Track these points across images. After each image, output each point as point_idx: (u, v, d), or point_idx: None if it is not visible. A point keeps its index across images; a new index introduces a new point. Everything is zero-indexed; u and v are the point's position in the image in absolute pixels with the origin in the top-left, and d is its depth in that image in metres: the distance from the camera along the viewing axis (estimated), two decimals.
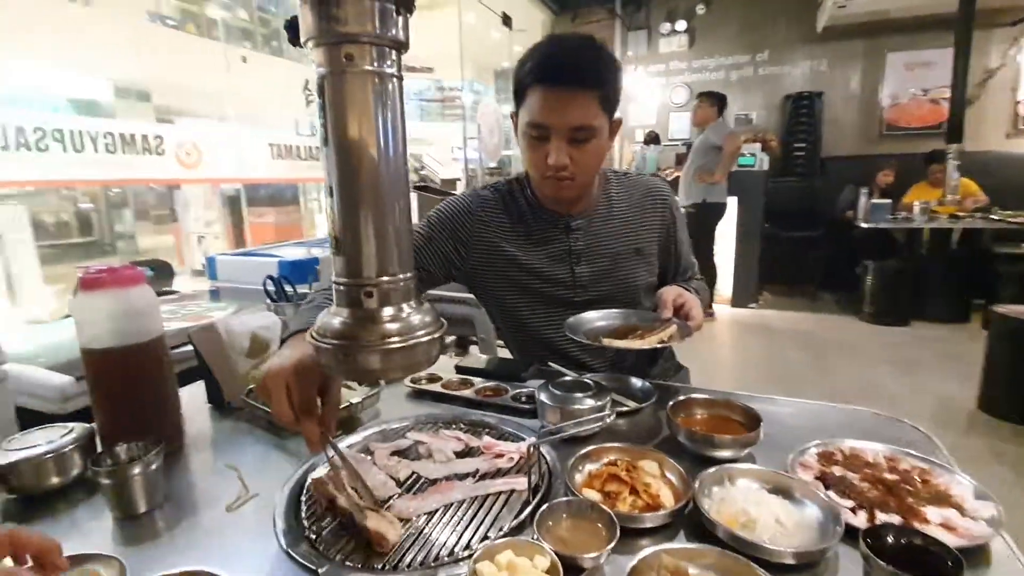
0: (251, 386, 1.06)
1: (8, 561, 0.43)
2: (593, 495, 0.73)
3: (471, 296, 2.53)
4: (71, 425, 0.85)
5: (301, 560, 0.64)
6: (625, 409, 1.00)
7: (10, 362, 1.12)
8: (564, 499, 0.69)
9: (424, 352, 0.68)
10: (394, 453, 0.87)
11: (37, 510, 0.76)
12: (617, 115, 1.15)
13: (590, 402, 0.90)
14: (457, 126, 7.47)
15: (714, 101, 4.40)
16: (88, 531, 0.72)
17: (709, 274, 4.75)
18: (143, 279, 0.91)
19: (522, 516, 0.70)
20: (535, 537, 0.62)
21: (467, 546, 0.66)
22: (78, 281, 0.86)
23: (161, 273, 2.77)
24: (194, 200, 6.68)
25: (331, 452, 0.74)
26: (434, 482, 0.79)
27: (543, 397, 0.93)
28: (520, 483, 0.77)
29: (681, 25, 6.55)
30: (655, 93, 6.96)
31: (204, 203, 6.50)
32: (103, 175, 1.95)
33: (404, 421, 0.98)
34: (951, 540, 0.60)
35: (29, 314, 4.03)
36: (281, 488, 0.78)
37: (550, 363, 1.15)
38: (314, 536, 0.68)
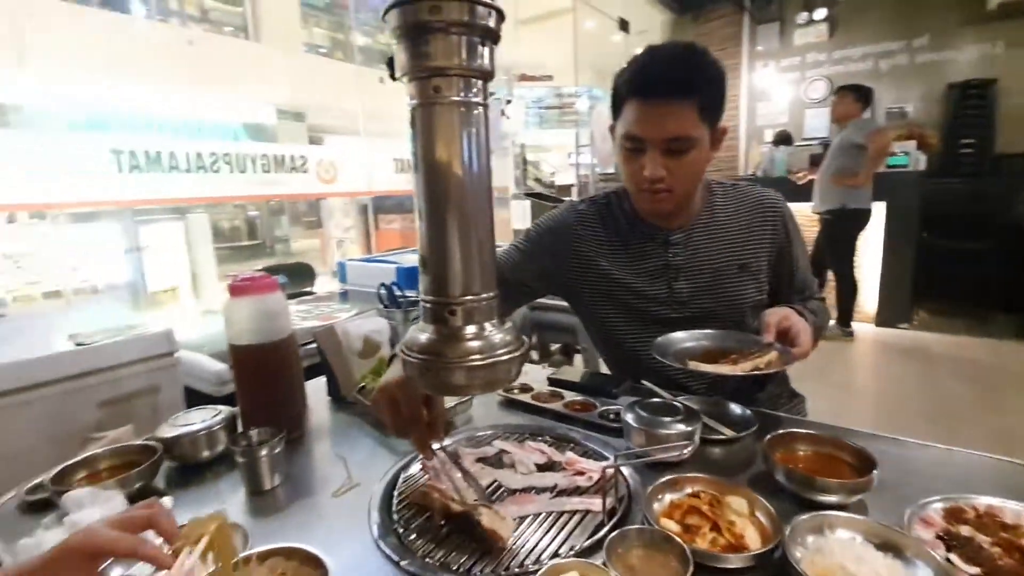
0: (363, 384, 1.17)
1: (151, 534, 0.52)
2: (671, 526, 0.70)
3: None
4: (220, 408, 1.01)
5: (387, 551, 0.70)
6: (718, 438, 0.95)
7: (181, 350, 1.35)
8: (638, 527, 0.68)
9: (504, 370, 0.71)
10: (479, 460, 0.91)
11: (190, 478, 0.92)
12: (723, 123, 1.10)
13: (677, 427, 0.87)
14: (573, 132, 7.50)
15: (858, 95, 3.93)
16: (226, 500, 0.86)
17: (847, 287, 4.25)
18: (277, 287, 1.05)
19: (594, 538, 0.70)
20: (603, 562, 0.62)
21: (537, 561, 0.67)
22: (228, 287, 1.02)
23: (302, 276, 3.14)
24: (335, 209, 7.49)
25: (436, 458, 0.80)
26: (513, 492, 0.82)
27: (629, 418, 0.92)
28: (596, 504, 0.77)
29: (820, 13, 5.96)
30: (788, 89, 6.40)
31: (343, 211, 7.27)
32: (259, 191, 2.26)
33: (493, 429, 1.02)
34: None
35: (206, 305, 4.80)
36: (379, 481, 0.86)
37: (644, 382, 1.13)
38: (402, 530, 0.75)
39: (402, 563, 0.68)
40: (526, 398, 1.15)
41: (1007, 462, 0.86)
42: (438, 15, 0.57)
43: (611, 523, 0.73)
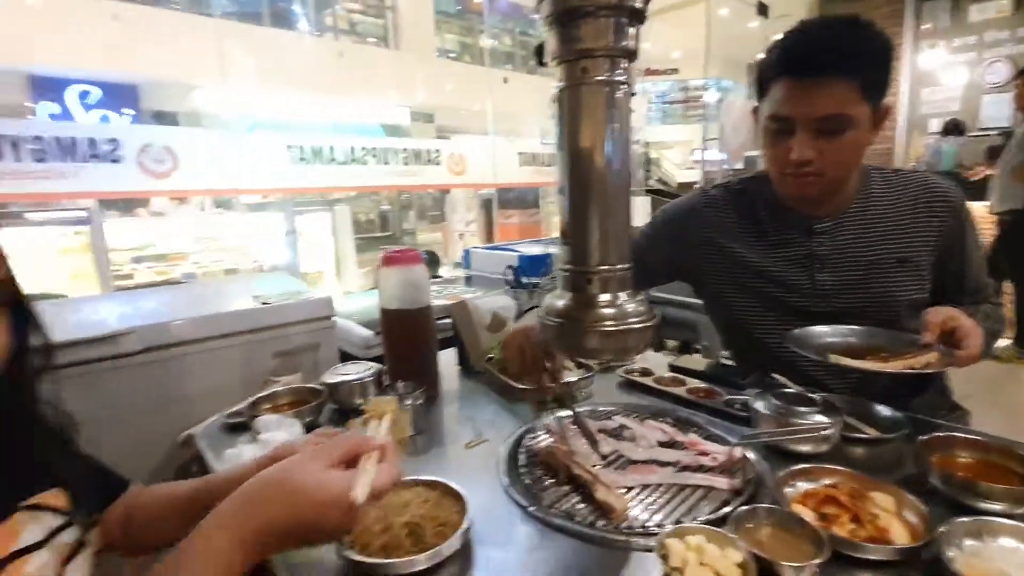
0: (491, 355, 1.26)
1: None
2: (805, 513, 0.68)
3: (697, 301, 2.45)
4: (370, 363, 1.15)
5: (516, 497, 0.76)
6: (861, 437, 0.88)
7: (336, 317, 1.55)
8: (768, 506, 0.67)
9: (635, 338, 0.73)
10: (600, 431, 0.94)
11: (346, 420, 1.07)
12: (887, 100, 1.00)
13: (814, 418, 0.83)
14: (699, 127, 7.16)
15: None
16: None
17: None
18: (421, 260, 1.17)
19: (718, 513, 0.70)
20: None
21: (659, 525, 0.69)
22: (381, 258, 1.16)
23: (431, 262, 3.39)
24: (458, 203, 7.92)
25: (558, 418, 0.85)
26: (633, 463, 0.84)
27: (759, 405, 0.89)
28: (721, 482, 0.76)
29: None
30: (960, 73, 5.52)
31: (465, 206, 7.66)
32: (399, 181, 2.48)
33: (613, 406, 1.05)
34: None
35: (346, 287, 5.37)
36: (504, 441, 0.93)
37: (776, 375, 1.08)
38: (528, 482, 0.81)
39: (529, 508, 0.74)
40: (647, 381, 1.16)
41: None
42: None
43: (737, 502, 0.72)
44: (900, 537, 0.63)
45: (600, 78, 0.66)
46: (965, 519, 0.63)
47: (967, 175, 4.02)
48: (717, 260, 1.18)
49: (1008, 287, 3.69)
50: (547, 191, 6.43)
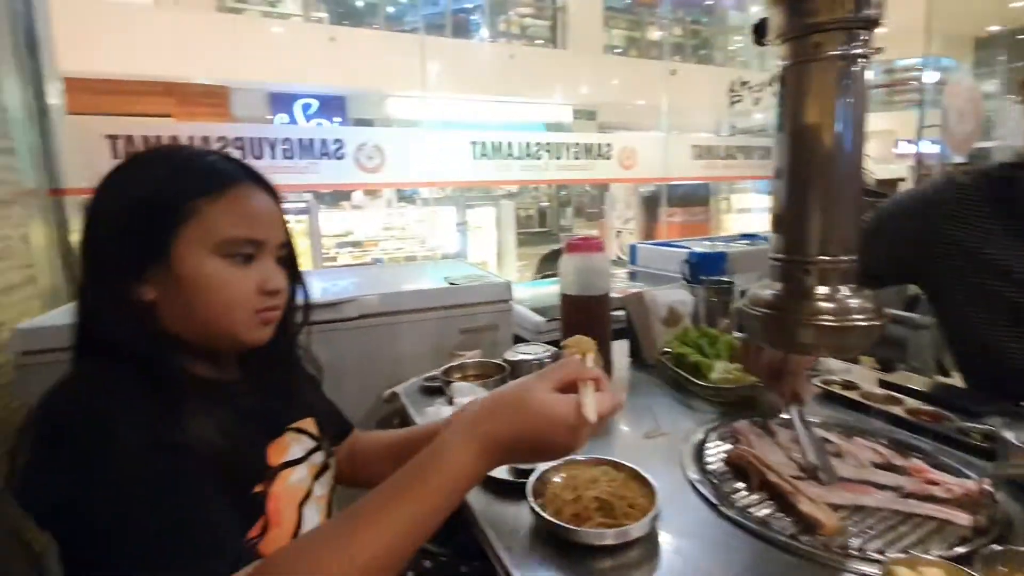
0: (666, 349, 1.23)
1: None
2: None
3: (907, 315, 2.11)
4: (548, 346, 1.20)
5: (705, 493, 0.74)
6: None
7: (512, 301, 1.64)
8: (1013, 548, 0.55)
9: (859, 336, 0.66)
10: (795, 440, 0.86)
11: None
12: None
13: None
14: (907, 115, 6.07)
15: None
16: None
17: None
18: (602, 248, 1.18)
19: (958, 551, 0.60)
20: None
21: (880, 551, 0.61)
22: (565, 245, 1.19)
23: None
24: (618, 200, 7.81)
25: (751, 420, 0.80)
26: (842, 480, 0.76)
27: (1007, 434, 0.74)
28: (960, 517, 0.65)
29: None
30: None
31: (625, 203, 7.53)
32: (570, 175, 2.54)
33: (813, 417, 0.95)
34: None
35: (507, 277, 5.70)
36: (686, 436, 0.91)
37: None
38: (715, 481, 0.77)
39: (720, 507, 0.71)
40: (853, 395, 1.03)
41: None
42: None
43: (981, 541, 0.61)
44: None
45: (834, 52, 0.61)
46: None
47: None
48: (960, 264, 1.00)
49: None
50: (719, 187, 6.03)
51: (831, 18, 0.60)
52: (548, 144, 2.52)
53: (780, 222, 0.71)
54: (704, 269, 1.85)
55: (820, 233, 0.66)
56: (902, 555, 0.57)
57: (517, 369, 1.14)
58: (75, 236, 1.86)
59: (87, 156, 1.82)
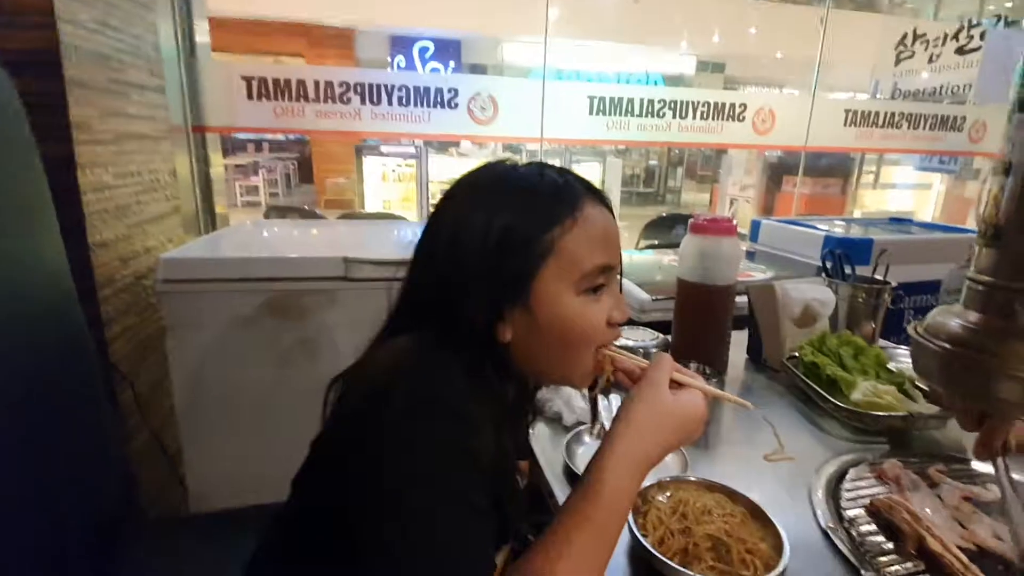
0: (795, 353, 1.07)
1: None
2: None
3: None
4: (656, 333, 1.10)
5: (842, 548, 0.62)
6: None
7: None
8: None
9: None
10: (966, 498, 0.70)
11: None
12: None
13: None
14: None
15: None
16: None
17: None
18: (735, 232, 1.03)
19: None
20: None
21: None
22: (689, 225, 1.06)
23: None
24: (736, 165, 7.13)
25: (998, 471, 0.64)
26: None
27: None
28: None
29: None
30: None
31: (745, 169, 6.86)
32: (698, 139, 2.30)
33: (989, 466, 0.77)
34: None
35: None
36: (819, 467, 0.77)
37: None
38: (855, 534, 0.65)
39: (862, 570, 0.59)
40: None
41: None
42: None
43: None
44: None
45: None
46: None
47: None
48: None
49: None
50: (869, 160, 5.27)
51: None
52: (672, 102, 2.29)
53: (998, 233, 0.55)
54: (852, 259, 1.60)
55: None
56: None
57: None
58: (215, 169, 2.01)
59: (227, 95, 1.93)
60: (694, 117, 2.32)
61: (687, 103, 2.30)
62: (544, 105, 2.13)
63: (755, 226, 2.36)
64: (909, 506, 0.65)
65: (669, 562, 0.55)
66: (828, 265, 1.31)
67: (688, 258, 1.06)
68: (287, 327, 1.38)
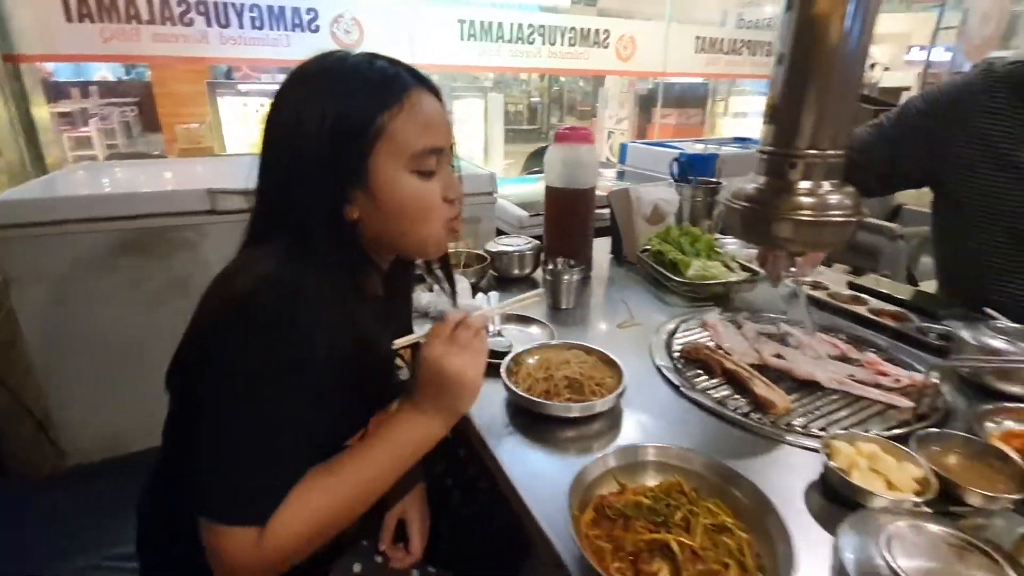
0: (647, 247, 1.23)
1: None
2: (1009, 452, 0.60)
3: (885, 224, 2.12)
4: (530, 239, 1.20)
5: (669, 376, 0.78)
6: None
7: (496, 194, 1.61)
8: (964, 434, 0.60)
9: (833, 233, 0.67)
10: (762, 333, 0.90)
11: (504, 288, 1.14)
12: None
13: None
14: (926, 16, 5.69)
15: None
16: (531, 311, 1.04)
17: None
18: (592, 139, 1.14)
19: (896, 432, 0.65)
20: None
21: (823, 429, 0.67)
22: (554, 135, 1.15)
23: None
24: (611, 99, 7.42)
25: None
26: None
27: (966, 334, 0.78)
28: (902, 402, 0.70)
29: None
30: None
31: (618, 101, 7.17)
32: (565, 65, 2.38)
33: (779, 315, 0.99)
34: None
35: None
36: (657, 327, 0.94)
37: (989, 310, 0.91)
38: (680, 366, 0.81)
39: (682, 389, 0.75)
40: (821, 295, 1.06)
41: None
42: None
43: (920, 425, 0.66)
44: None
45: None
46: None
47: None
48: (980, 162, 0.96)
49: None
50: (717, 88, 5.75)
51: None
52: (542, 27, 2.33)
53: (774, 112, 0.69)
54: (694, 170, 1.81)
55: (813, 125, 0.64)
56: (842, 431, 0.61)
57: (499, 261, 1.15)
58: (38, 111, 1.73)
59: (41, 16, 1.64)
60: (562, 43, 2.39)
61: (555, 28, 2.36)
62: (416, 27, 2.08)
63: (623, 149, 2.56)
64: (711, 346, 0.83)
65: (534, 398, 0.67)
66: (675, 171, 1.48)
67: (554, 166, 1.15)
68: (153, 267, 1.30)
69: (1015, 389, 0.73)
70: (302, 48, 1.89)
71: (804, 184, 0.66)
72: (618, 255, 1.33)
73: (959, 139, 0.97)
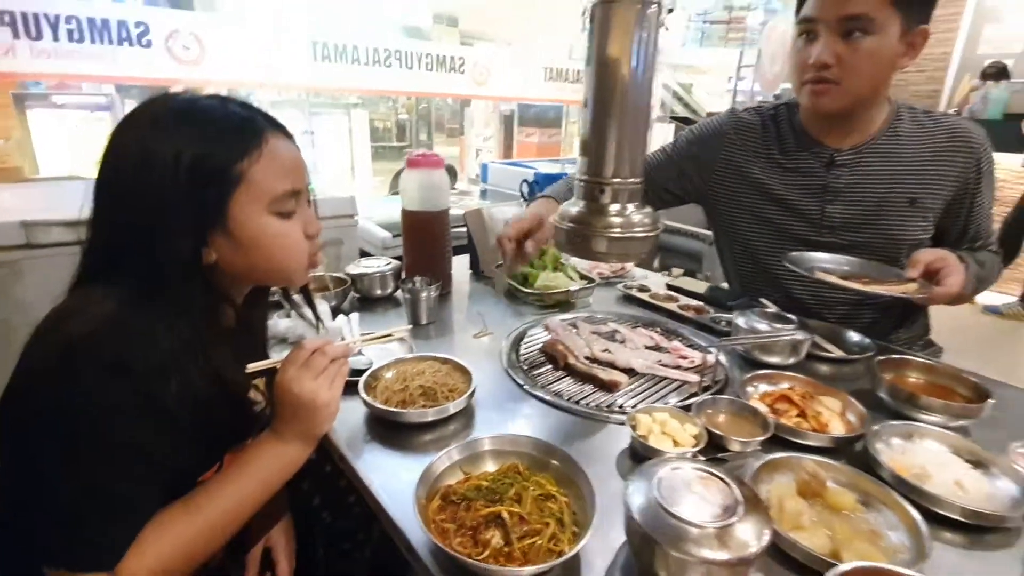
0: (500, 262, 1.34)
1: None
2: (762, 408, 0.79)
3: (703, 231, 2.49)
4: (390, 259, 1.25)
5: (515, 377, 0.88)
6: (828, 356, 0.98)
7: (358, 216, 1.63)
8: (728, 397, 0.78)
9: (638, 246, 0.81)
10: (594, 332, 1.05)
11: (367, 308, 1.18)
12: (926, 26, 0.98)
13: (784, 333, 0.93)
14: (738, 52, 6.76)
15: None
16: (391, 325, 1.09)
17: None
18: (443, 165, 1.23)
19: (687, 402, 0.82)
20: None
21: (633, 407, 0.81)
22: (406, 160, 1.22)
23: (448, 175, 3.42)
24: (477, 118, 7.71)
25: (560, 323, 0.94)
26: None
27: (739, 320, 0.99)
28: (692, 378, 0.88)
29: None
30: None
31: (484, 121, 7.48)
32: (422, 88, 2.46)
33: (609, 315, 1.15)
34: None
35: (361, 193, 5.44)
36: (508, 334, 1.05)
37: (764, 300, 1.14)
38: (526, 367, 0.92)
39: (525, 387, 0.86)
40: (644, 296, 1.25)
41: None
42: None
43: (703, 396, 0.84)
44: (838, 431, 0.74)
45: None
46: (898, 422, 0.74)
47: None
48: (733, 182, 1.20)
49: None
50: (571, 111, 6.25)
51: None
52: (399, 52, 2.40)
53: (585, 147, 0.82)
54: (543, 188, 1.99)
55: (615, 158, 0.78)
56: (644, 406, 0.76)
57: (359, 282, 1.18)
58: None
59: None
60: (420, 68, 2.48)
61: (412, 54, 2.44)
62: (265, 47, 2.02)
63: (484, 169, 2.70)
64: (563, 342, 0.96)
65: (390, 408, 0.73)
66: (524, 191, 1.63)
67: (409, 190, 1.22)
68: None
69: (772, 359, 0.94)
70: (132, 64, 1.75)
71: (613, 206, 0.79)
72: (476, 270, 1.43)
73: (718, 166, 1.22)
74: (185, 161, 0.57)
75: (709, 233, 2.34)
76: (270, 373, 0.70)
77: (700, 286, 1.35)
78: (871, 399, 0.83)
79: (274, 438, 0.64)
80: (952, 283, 0.92)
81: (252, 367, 0.66)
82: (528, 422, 0.79)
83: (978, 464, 0.68)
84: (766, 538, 0.47)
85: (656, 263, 2.88)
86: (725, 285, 1.41)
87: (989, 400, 0.76)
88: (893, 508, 0.59)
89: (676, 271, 3.05)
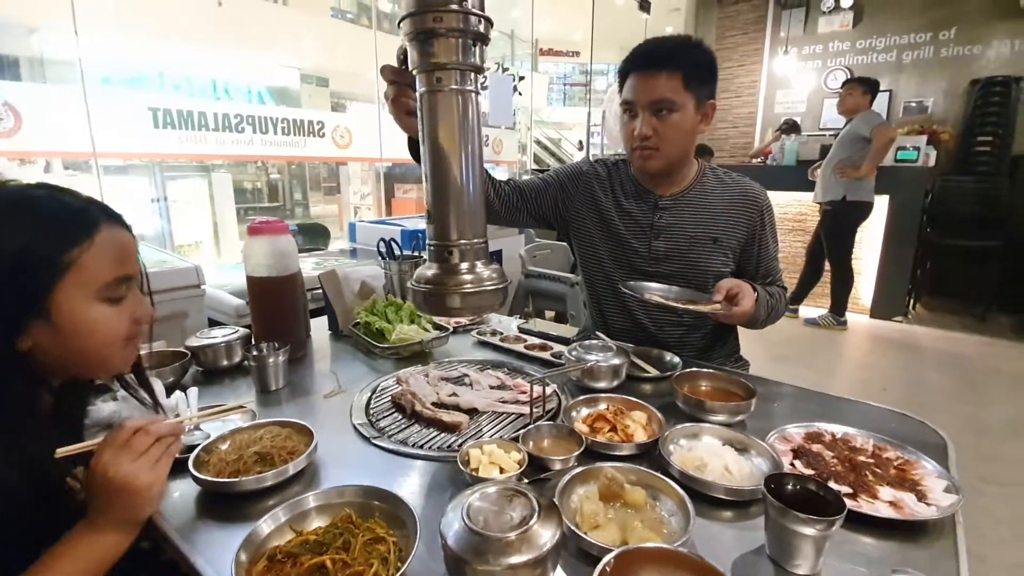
0: (356, 320, 1.38)
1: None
2: (582, 428, 0.90)
3: (567, 275, 2.70)
4: (237, 328, 1.23)
5: (362, 431, 0.91)
6: (645, 376, 1.14)
7: (206, 285, 1.57)
8: (550, 423, 0.88)
9: (489, 298, 0.87)
10: (443, 378, 1.11)
11: (213, 380, 1.14)
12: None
13: (605, 361, 1.07)
14: (588, 112, 7.57)
15: (866, 88, 3.96)
16: (241, 396, 1.08)
17: (844, 278, 4.35)
18: (287, 230, 1.26)
19: (519, 432, 0.90)
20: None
21: (474, 444, 0.88)
22: (248, 228, 1.22)
23: (318, 236, 3.36)
24: (354, 175, 7.69)
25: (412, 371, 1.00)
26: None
27: (572, 353, 1.11)
28: (524, 409, 0.97)
29: (847, 1, 5.88)
30: (808, 78, 6.35)
31: (361, 179, 7.47)
32: (280, 152, 2.45)
33: (463, 360, 1.23)
34: (891, 514, 0.69)
35: (227, 259, 5.09)
36: (361, 390, 1.08)
37: (599, 333, 1.30)
38: (375, 419, 0.96)
39: (373, 440, 0.89)
40: (495, 340, 1.35)
41: (880, 407, 1.04)
42: (441, 23, 0.72)
43: (535, 424, 0.93)
44: (641, 439, 0.87)
45: (452, 87, 0.75)
46: (685, 424, 0.88)
47: (812, 177, 4.56)
48: (588, 212, 1.40)
49: (829, 266, 4.44)
50: None
51: (447, 61, 0.74)
52: (251, 117, 2.39)
53: (430, 216, 0.88)
54: (409, 243, 2.07)
55: (457, 222, 0.85)
56: (474, 441, 0.83)
57: (200, 355, 1.15)
58: None
59: None
60: (275, 132, 2.48)
61: (266, 119, 2.44)
62: (94, 115, 1.91)
63: (352, 229, 2.72)
64: (410, 390, 1.01)
65: (222, 480, 0.72)
66: (383, 250, 1.69)
67: (254, 257, 1.22)
68: None
69: (599, 384, 1.07)
70: None
71: (463, 264, 0.86)
72: (335, 330, 1.44)
73: (578, 200, 1.41)
74: (9, 251, 0.57)
75: (571, 276, 2.57)
76: (88, 458, 0.67)
77: (555, 327, 1.49)
78: (676, 410, 0.98)
79: (87, 528, 0.61)
80: (746, 304, 1.14)
81: (62, 451, 0.63)
82: (373, 473, 0.82)
83: (743, 450, 0.83)
84: (557, 537, 0.55)
85: (530, 307, 3.06)
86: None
87: (753, 398, 0.94)
88: (672, 497, 0.71)
89: (548, 314, 3.26)
